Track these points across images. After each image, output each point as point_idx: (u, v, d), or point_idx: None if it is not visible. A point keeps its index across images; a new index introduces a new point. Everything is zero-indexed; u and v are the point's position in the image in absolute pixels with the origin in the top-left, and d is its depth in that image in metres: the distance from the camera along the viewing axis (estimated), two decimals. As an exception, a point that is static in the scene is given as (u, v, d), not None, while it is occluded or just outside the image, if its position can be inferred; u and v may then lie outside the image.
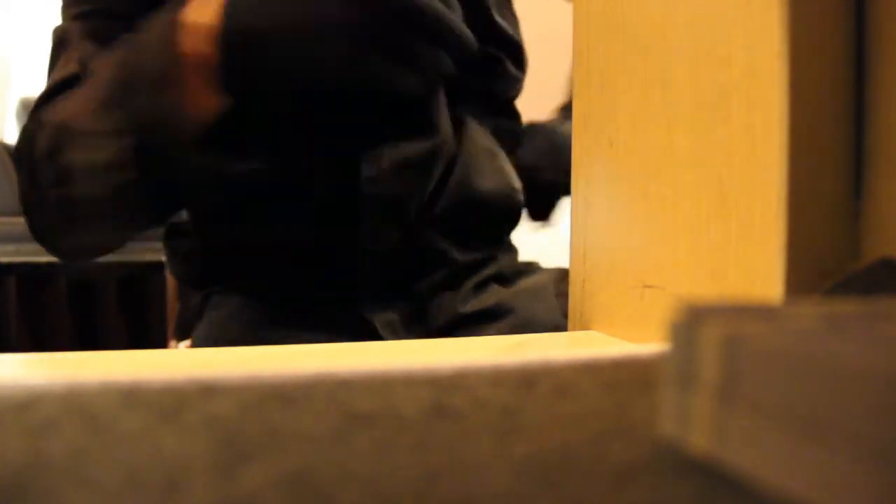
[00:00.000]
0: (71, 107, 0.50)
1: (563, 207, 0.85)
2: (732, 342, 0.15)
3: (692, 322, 0.16)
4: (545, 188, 0.80)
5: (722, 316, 0.16)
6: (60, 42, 0.60)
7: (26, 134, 0.54)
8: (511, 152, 0.74)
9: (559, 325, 0.63)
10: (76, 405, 0.19)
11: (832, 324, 0.16)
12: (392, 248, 0.61)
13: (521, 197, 0.71)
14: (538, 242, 0.93)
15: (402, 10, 0.43)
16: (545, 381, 0.22)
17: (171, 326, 1.58)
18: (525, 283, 0.69)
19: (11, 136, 2.51)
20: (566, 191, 0.41)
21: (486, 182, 0.67)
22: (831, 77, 0.27)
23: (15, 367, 0.33)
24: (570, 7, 0.42)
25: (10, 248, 1.78)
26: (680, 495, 0.14)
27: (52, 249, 0.59)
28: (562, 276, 0.69)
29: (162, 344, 1.61)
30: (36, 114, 0.55)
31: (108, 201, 0.48)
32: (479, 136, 0.69)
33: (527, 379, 0.22)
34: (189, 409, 0.19)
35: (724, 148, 0.29)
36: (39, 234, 0.57)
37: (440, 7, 0.45)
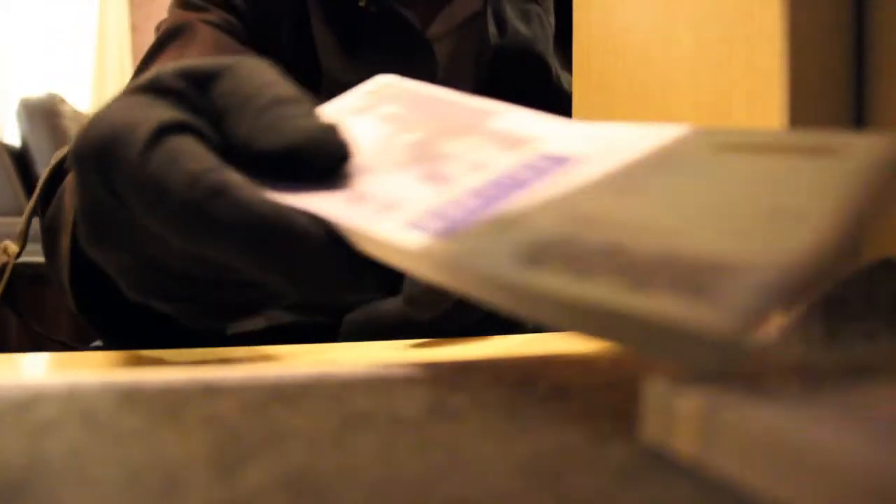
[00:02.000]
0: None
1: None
2: (709, 413, 0.15)
3: (670, 393, 0.16)
4: None
5: (700, 385, 0.16)
6: (172, 34, 0.61)
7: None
8: None
9: None
10: (76, 405, 0.19)
11: (808, 389, 0.16)
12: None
13: None
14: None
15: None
16: (545, 381, 0.22)
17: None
18: None
19: (12, 136, 2.51)
20: None
21: None
22: (831, 77, 0.27)
23: (15, 367, 0.33)
24: None
25: (10, 248, 1.78)
26: None
27: None
28: None
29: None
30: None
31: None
32: None
33: (527, 379, 0.22)
34: (189, 409, 0.19)
35: (724, 148, 0.29)
36: None
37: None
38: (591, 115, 0.40)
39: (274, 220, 0.24)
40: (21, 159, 2.29)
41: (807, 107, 0.26)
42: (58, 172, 0.48)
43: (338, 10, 0.65)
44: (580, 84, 0.41)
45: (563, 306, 0.18)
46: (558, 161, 0.25)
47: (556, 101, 0.67)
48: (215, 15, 0.63)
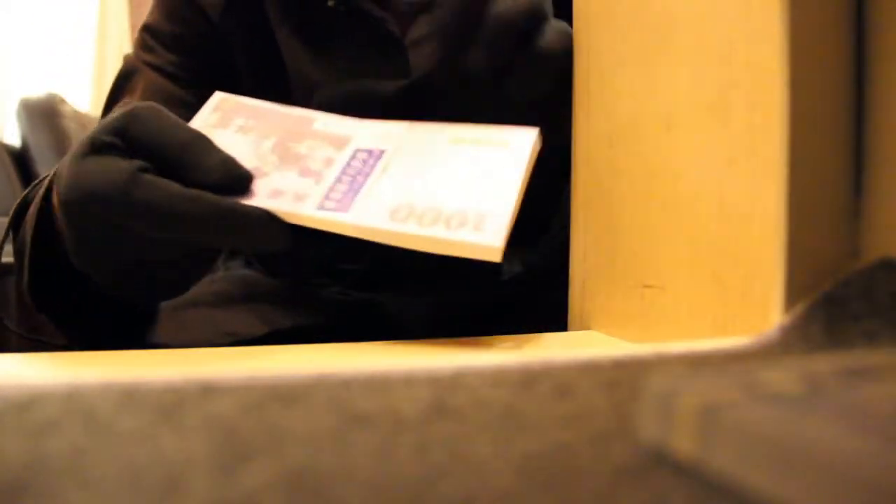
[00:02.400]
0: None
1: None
2: (708, 413, 0.15)
3: (670, 390, 0.16)
4: None
5: (700, 385, 0.16)
6: (126, 76, 0.68)
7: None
8: None
9: None
10: (76, 405, 0.19)
11: (808, 390, 0.16)
12: None
13: None
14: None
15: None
16: (545, 381, 0.22)
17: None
18: None
19: (12, 136, 2.51)
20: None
21: None
22: (831, 77, 0.27)
23: (15, 367, 0.33)
24: None
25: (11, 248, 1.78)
26: None
27: None
28: None
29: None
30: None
31: None
32: None
33: (527, 379, 0.22)
34: (189, 408, 0.19)
35: (724, 148, 0.29)
36: None
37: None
38: (591, 116, 0.40)
39: (244, 212, 0.37)
40: (21, 159, 2.29)
41: (807, 107, 0.26)
42: (21, 209, 0.56)
43: (305, 12, 0.64)
44: (580, 83, 0.41)
45: (416, 240, 0.35)
46: (370, 153, 0.41)
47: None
48: (159, 57, 0.67)
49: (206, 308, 0.63)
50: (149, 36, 0.68)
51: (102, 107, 0.69)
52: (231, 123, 0.43)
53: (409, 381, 0.22)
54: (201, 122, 0.43)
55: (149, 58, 0.67)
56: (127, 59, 0.69)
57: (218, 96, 0.45)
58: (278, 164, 0.40)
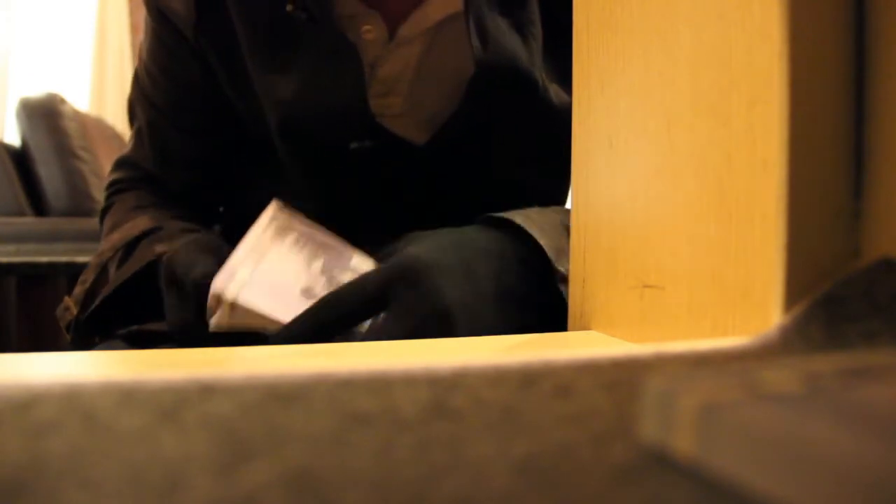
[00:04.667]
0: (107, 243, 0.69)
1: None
2: (708, 413, 0.15)
3: (670, 390, 0.16)
4: None
5: (700, 385, 0.16)
6: (131, 107, 0.77)
7: (101, 216, 0.77)
8: None
9: None
10: (76, 405, 0.19)
11: (808, 390, 0.16)
12: None
13: None
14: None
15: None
16: (545, 381, 0.22)
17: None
18: None
19: (11, 136, 2.51)
20: None
21: None
22: (831, 77, 0.27)
23: (15, 367, 0.33)
24: None
25: (10, 248, 1.78)
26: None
27: None
28: None
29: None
30: (105, 206, 0.76)
31: None
32: None
33: (527, 379, 0.22)
34: (189, 408, 0.19)
35: (724, 148, 0.29)
36: None
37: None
38: (591, 117, 0.40)
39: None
40: (21, 159, 2.29)
41: (807, 107, 0.26)
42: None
43: (264, 19, 0.64)
44: (580, 83, 0.41)
45: None
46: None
47: (544, 115, 0.65)
48: (154, 90, 0.74)
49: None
50: (143, 69, 0.74)
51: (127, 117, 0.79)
52: (286, 238, 0.51)
53: (409, 381, 0.22)
54: (259, 232, 0.50)
55: (144, 100, 0.74)
56: (130, 100, 0.77)
57: (274, 206, 0.52)
58: (326, 288, 0.47)
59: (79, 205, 2.19)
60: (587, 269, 0.40)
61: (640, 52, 0.35)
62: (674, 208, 0.32)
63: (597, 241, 0.39)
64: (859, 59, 0.27)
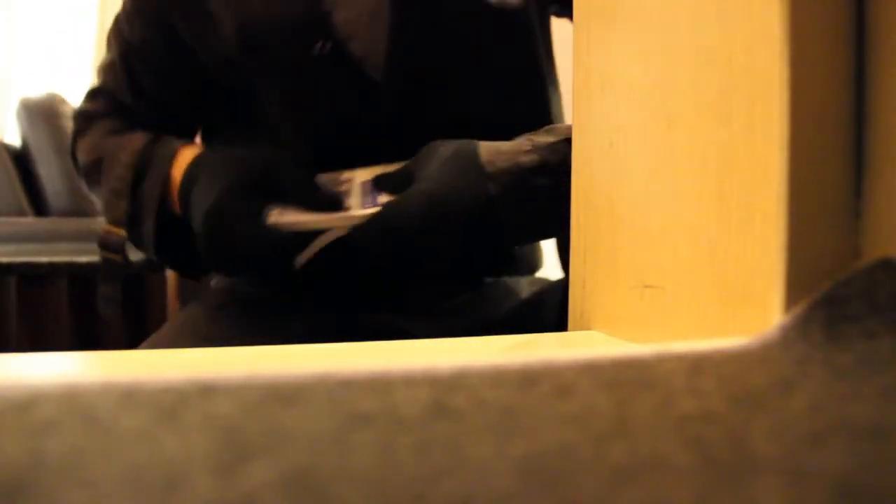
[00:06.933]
0: (95, 172, 0.73)
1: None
2: None
3: None
4: None
5: None
6: (108, 45, 0.78)
7: (72, 142, 0.79)
8: None
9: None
10: (76, 405, 0.19)
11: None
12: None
13: None
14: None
15: None
16: (545, 381, 0.22)
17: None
18: None
19: (11, 136, 2.51)
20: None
21: None
22: (831, 77, 0.27)
23: (15, 367, 0.33)
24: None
25: (10, 248, 1.78)
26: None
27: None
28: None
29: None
30: (77, 131, 0.79)
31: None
32: None
33: (527, 379, 0.22)
34: (189, 408, 0.19)
35: (724, 148, 0.29)
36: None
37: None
38: (591, 117, 0.40)
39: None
40: (21, 159, 2.29)
41: (807, 107, 0.26)
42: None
43: (287, 65, 0.68)
44: (580, 83, 0.41)
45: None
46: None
47: (481, 15, 0.67)
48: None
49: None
50: (123, 4, 0.77)
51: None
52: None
53: (409, 381, 0.22)
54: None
55: (118, 26, 0.77)
56: (111, 27, 0.80)
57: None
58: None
59: (79, 205, 2.19)
60: (587, 270, 0.40)
61: (639, 51, 0.35)
62: (674, 208, 0.32)
63: (597, 241, 0.39)
64: (859, 59, 0.27)
